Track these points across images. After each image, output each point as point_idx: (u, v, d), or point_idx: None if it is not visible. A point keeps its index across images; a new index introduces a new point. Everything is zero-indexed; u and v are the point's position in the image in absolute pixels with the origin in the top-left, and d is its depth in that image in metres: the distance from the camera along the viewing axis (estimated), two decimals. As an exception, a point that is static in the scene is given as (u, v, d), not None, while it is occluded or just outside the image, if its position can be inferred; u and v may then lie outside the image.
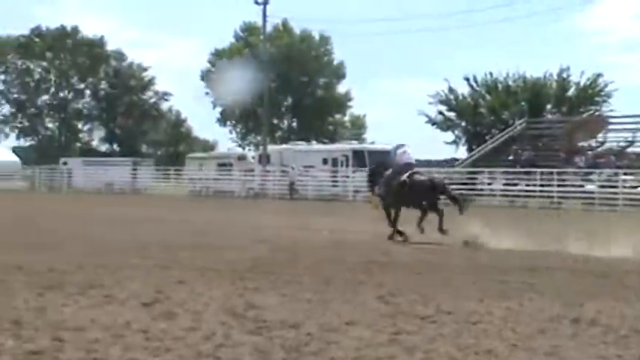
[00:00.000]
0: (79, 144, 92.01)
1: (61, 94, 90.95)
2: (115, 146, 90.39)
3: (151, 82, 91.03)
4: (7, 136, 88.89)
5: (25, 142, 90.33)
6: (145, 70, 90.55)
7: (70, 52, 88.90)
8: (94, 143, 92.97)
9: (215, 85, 74.57)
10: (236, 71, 62.81)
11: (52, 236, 17.21)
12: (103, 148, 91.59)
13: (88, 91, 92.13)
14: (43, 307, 8.21)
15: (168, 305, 8.43)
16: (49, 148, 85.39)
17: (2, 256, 12.88)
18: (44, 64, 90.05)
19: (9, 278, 10.19)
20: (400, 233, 16.97)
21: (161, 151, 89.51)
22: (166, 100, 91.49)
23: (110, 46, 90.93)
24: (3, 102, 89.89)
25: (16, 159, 67.22)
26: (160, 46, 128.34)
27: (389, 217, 17.35)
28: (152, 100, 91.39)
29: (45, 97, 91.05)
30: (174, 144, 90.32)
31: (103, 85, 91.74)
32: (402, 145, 18.47)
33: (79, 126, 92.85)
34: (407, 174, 17.36)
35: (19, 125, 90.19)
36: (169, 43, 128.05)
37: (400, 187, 17.24)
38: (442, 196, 17.54)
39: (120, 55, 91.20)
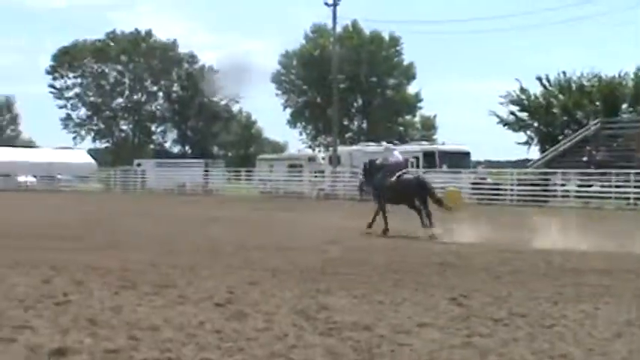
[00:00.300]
0: (152, 146, 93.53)
1: (135, 97, 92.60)
2: (187, 148, 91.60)
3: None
4: (83, 138, 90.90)
5: (100, 145, 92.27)
6: (216, 72, 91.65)
7: (143, 56, 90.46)
8: (167, 145, 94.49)
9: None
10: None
11: (127, 236, 17.51)
12: (176, 149, 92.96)
13: (161, 94, 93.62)
14: (118, 306, 8.34)
15: (241, 306, 8.48)
16: (124, 150, 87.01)
17: (79, 256, 13.15)
18: (119, 67, 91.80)
19: (86, 278, 10.40)
20: (370, 226, 18.74)
21: (232, 153, 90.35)
22: (237, 102, 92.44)
23: (182, 49, 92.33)
24: (79, 105, 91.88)
25: (92, 161, 68.57)
26: (231, 48, 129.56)
27: (382, 213, 18.84)
28: (223, 102, 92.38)
29: (120, 100, 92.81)
30: (245, 145, 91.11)
31: (176, 87, 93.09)
32: (393, 147, 21.24)
33: (153, 128, 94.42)
34: (397, 174, 18.92)
35: (95, 128, 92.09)
36: (240, 45, 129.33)
37: (391, 187, 18.76)
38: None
39: (192, 58, 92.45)
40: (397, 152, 20.59)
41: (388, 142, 21.15)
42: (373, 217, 18.88)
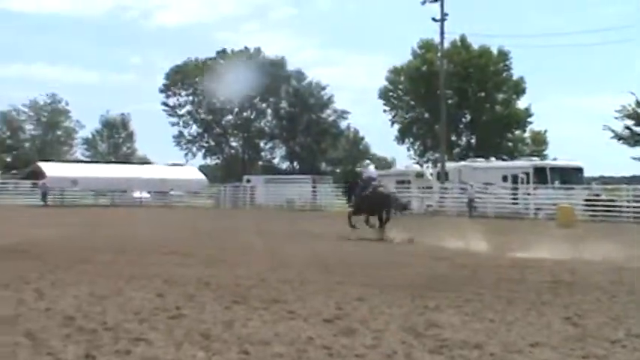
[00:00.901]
0: (261, 162, 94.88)
1: (245, 114, 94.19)
2: (296, 164, 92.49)
3: (329, 100, 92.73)
4: (194, 155, 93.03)
5: (210, 161, 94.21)
6: (324, 88, 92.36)
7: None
8: (275, 161, 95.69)
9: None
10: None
11: (237, 251, 17.75)
12: (284, 165, 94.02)
13: (269, 111, 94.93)
14: (230, 320, 8.47)
15: (349, 322, 8.48)
16: (233, 166, 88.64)
17: (191, 270, 13.43)
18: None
19: (198, 292, 10.60)
20: (354, 227, 22.88)
21: (340, 169, 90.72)
22: (345, 117, 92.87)
23: (290, 66, 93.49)
24: (191, 122, 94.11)
25: (203, 177, 70.03)
26: (339, 65, 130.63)
27: (351, 222, 23.24)
28: (331, 118, 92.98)
29: (229, 117, 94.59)
30: (353, 162, 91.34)
31: (284, 104, 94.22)
32: (369, 164, 26.05)
33: (261, 144, 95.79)
34: (371, 187, 23.19)
35: (206, 145, 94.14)
36: (348, 62, 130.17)
37: (369, 199, 22.83)
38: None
39: (300, 75, 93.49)
40: (372, 168, 25.42)
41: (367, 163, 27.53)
42: (366, 222, 22.89)
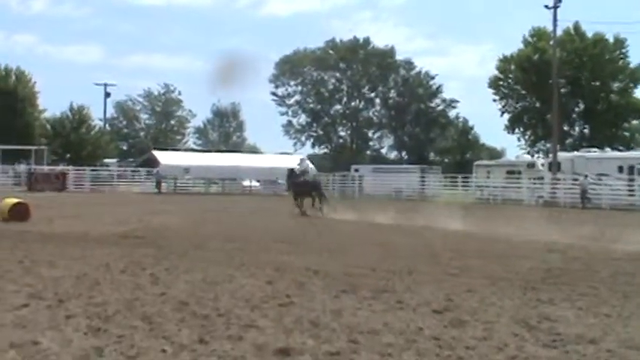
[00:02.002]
0: (369, 151, 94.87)
1: (353, 104, 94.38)
2: (404, 154, 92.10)
3: (438, 89, 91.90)
4: (303, 144, 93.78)
5: (319, 150, 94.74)
6: (433, 78, 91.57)
7: (361, 63, 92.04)
8: (384, 151, 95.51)
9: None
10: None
11: (347, 241, 17.82)
12: (392, 155, 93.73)
13: (378, 100, 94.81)
14: (339, 309, 8.50)
15: (459, 313, 8.40)
16: (342, 155, 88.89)
17: (301, 259, 13.56)
18: (337, 74, 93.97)
19: (307, 281, 10.69)
20: (303, 212, 28.31)
21: (448, 159, 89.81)
22: (454, 107, 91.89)
23: (399, 56, 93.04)
24: (300, 112, 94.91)
25: (312, 166, 70.47)
26: (448, 54, 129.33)
27: (296, 203, 29.27)
28: (439, 108, 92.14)
29: (338, 107, 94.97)
30: (462, 151, 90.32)
31: (392, 93, 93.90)
32: (303, 159, 33.86)
33: (370, 134, 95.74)
34: (302, 177, 30.36)
35: (314, 134, 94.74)
36: (457, 51, 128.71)
37: (297, 185, 29.95)
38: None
39: (409, 64, 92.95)
40: (307, 162, 33.18)
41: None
42: (299, 207, 28.95)
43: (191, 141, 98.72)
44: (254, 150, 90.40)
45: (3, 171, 56.13)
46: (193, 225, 22.36)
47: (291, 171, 31.57)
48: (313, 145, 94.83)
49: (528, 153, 72.24)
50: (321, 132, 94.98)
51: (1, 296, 9.03)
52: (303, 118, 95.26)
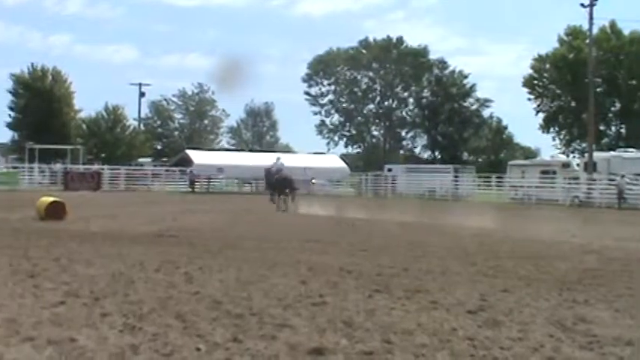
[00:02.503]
0: (402, 151, 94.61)
1: (386, 103, 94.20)
2: (437, 153, 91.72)
3: (472, 88, 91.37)
4: (336, 144, 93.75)
5: (352, 150, 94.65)
6: (466, 77, 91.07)
7: (394, 62, 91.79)
8: (417, 150, 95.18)
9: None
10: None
11: (379, 240, 17.78)
12: (425, 155, 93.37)
13: (411, 100, 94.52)
14: (372, 309, 8.48)
15: (494, 314, 8.34)
16: (374, 155, 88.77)
17: (333, 258, 13.55)
18: (370, 74, 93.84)
19: (340, 281, 10.68)
20: (278, 206, 30.76)
21: (482, 159, 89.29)
22: (487, 106, 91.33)
23: (433, 55, 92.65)
24: (333, 111, 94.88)
25: (345, 165, 70.38)
26: (482, 53, 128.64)
27: (272, 199, 31.88)
28: (473, 107, 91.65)
29: (371, 106, 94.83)
30: (495, 151, 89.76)
31: (426, 93, 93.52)
32: (279, 157, 34.66)
33: (403, 134, 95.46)
34: (277, 175, 32.20)
35: (347, 134, 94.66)
36: (491, 50, 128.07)
37: (273, 182, 32.26)
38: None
39: (442, 64, 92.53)
40: (282, 161, 33.70)
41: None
42: (273, 201, 31.67)
43: (224, 141, 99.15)
44: (287, 150, 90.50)
45: (40, 170, 56.74)
46: (227, 224, 22.47)
47: (268, 170, 33.65)
48: (346, 145, 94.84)
49: (563, 153, 71.63)
50: (354, 131, 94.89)
51: (39, 294, 9.13)
52: (336, 118, 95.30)
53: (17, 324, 7.40)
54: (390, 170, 64.33)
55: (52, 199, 23.20)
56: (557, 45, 75.04)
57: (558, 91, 75.65)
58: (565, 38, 74.16)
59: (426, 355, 6.50)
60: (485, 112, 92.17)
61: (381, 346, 6.78)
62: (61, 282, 10.04)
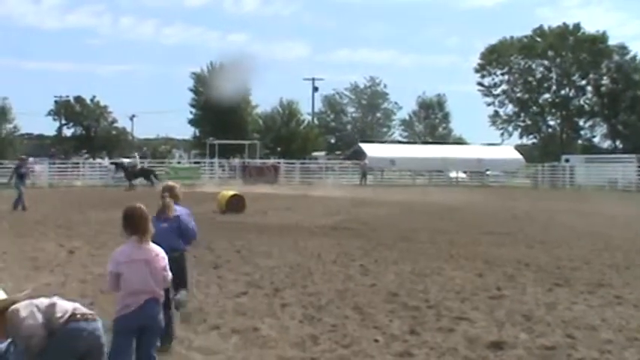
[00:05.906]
0: (580, 141, 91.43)
1: (562, 92, 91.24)
2: (618, 143, 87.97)
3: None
4: (510, 134, 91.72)
5: (527, 140, 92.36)
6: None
7: (571, 50, 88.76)
8: (596, 140, 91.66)
9: None
10: None
11: (558, 233, 17.25)
12: (605, 144, 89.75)
13: (589, 88, 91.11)
14: (552, 303, 8.28)
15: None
16: (551, 145, 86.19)
17: (509, 251, 13.31)
18: (546, 62, 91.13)
19: (517, 274, 10.48)
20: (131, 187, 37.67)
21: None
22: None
23: (612, 41, 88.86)
24: (506, 102, 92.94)
25: (520, 157, 68.80)
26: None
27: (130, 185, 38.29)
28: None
29: (546, 96, 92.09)
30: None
31: (605, 80, 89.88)
32: (134, 156, 44.10)
33: (581, 123, 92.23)
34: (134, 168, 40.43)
35: (522, 124, 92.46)
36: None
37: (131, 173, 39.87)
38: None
39: (622, 49, 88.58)
40: (137, 158, 41.28)
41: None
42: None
43: (397, 133, 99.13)
44: (460, 141, 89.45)
45: (220, 165, 58.84)
46: (399, 216, 22.41)
47: (122, 164, 42.54)
48: (521, 136, 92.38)
49: None
50: (529, 122, 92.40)
51: (222, 284, 9.50)
52: (510, 108, 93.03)
53: (204, 313, 7.75)
54: (567, 161, 62.27)
55: (232, 192, 24.02)
56: None
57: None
58: None
59: (611, 352, 6.29)
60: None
61: (563, 341, 6.62)
62: (243, 273, 10.40)
